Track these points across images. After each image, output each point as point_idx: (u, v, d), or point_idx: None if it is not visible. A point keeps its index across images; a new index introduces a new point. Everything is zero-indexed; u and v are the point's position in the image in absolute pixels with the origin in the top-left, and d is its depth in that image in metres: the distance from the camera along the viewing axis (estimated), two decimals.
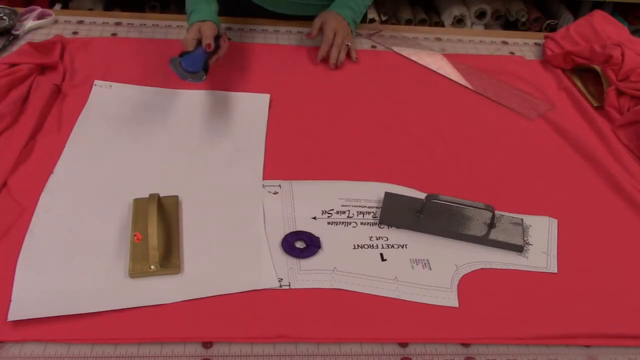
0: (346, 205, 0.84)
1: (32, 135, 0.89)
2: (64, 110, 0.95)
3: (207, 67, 0.94)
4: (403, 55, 1.19)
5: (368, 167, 0.91)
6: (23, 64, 0.98)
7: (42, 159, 0.86)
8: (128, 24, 1.19)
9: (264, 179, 0.86)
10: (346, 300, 0.71)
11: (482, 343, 0.68)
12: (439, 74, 1.14)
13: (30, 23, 1.14)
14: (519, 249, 0.79)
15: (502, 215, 0.83)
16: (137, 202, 0.79)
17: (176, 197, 0.81)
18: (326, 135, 0.96)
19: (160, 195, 0.79)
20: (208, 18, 0.98)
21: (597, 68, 1.11)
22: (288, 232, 0.78)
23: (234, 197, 0.83)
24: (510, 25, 2.16)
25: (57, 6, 1.97)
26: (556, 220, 0.85)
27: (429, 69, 1.15)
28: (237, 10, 1.24)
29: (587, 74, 1.14)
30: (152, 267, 0.71)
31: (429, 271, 0.76)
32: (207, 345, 0.65)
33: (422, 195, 0.84)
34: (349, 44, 1.13)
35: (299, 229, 0.79)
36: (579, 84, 1.13)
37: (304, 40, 1.20)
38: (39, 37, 1.13)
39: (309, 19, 1.19)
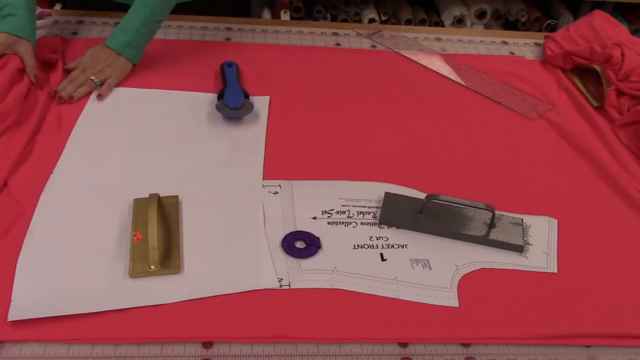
0: (346, 205, 0.84)
1: (32, 135, 0.89)
2: (64, 110, 0.95)
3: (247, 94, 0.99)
4: (403, 55, 1.19)
5: (368, 167, 0.91)
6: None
7: (42, 159, 0.86)
8: None
9: (264, 179, 0.86)
10: (346, 300, 0.71)
11: (482, 343, 0.68)
12: (439, 73, 1.14)
13: None
14: (519, 249, 0.79)
15: (502, 215, 0.83)
16: (137, 202, 0.79)
17: (176, 197, 0.81)
18: (326, 135, 0.96)
19: (160, 195, 0.79)
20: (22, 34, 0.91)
21: (597, 68, 1.11)
22: (288, 232, 0.78)
23: (234, 197, 0.83)
24: (510, 25, 2.16)
25: (57, 6, 1.97)
26: (556, 220, 0.85)
27: (429, 69, 1.15)
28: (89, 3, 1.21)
29: (587, 74, 1.14)
30: (152, 267, 0.71)
31: (429, 271, 0.76)
32: (207, 345, 0.65)
33: (422, 195, 0.84)
34: (94, 78, 0.98)
35: (299, 229, 0.79)
36: (579, 84, 1.13)
37: (304, 40, 1.20)
38: (38, 37, 1.12)
39: None
